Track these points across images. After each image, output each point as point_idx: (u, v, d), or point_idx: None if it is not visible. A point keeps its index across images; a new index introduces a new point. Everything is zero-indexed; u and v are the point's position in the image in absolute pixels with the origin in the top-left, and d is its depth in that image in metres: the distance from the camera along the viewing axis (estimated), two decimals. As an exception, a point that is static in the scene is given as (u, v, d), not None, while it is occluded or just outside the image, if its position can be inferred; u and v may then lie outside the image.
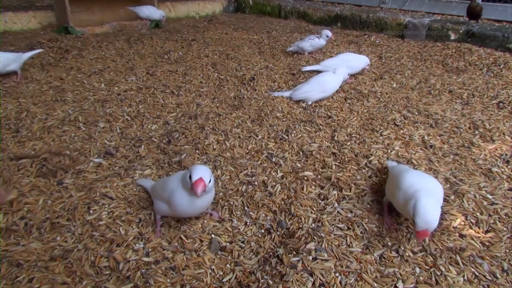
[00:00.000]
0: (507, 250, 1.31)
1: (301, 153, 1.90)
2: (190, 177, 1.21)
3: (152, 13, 4.61)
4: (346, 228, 1.39)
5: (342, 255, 1.26)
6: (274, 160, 1.83)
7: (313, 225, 1.40)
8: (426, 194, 1.23)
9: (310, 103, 2.49)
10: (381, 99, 2.61)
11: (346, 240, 1.33)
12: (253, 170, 1.74)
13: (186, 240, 1.35)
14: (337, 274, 1.18)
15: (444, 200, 1.55)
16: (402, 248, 1.30)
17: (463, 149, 1.98)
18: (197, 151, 1.90)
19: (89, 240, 1.32)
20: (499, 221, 1.44)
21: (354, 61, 2.98)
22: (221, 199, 1.56)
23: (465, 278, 1.19)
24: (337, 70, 2.63)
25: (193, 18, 5.66)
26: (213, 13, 6.02)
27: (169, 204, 1.31)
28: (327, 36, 3.51)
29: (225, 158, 1.84)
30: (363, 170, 1.76)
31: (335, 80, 2.58)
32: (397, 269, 1.21)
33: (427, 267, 1.24)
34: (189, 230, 1.39)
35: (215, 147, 1.94)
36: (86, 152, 1.85)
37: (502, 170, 1.79)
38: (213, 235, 1.38)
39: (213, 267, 1.25)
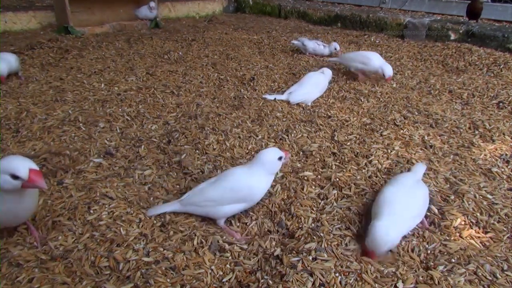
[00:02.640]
0: (507, 250, 1.31)
1: (301, 153, 1.90)
2: (280, 157, 1.43)
3: (148, 13, 4.62)
4: (345, 228, 1.39)
5: (342, 255, 1.26)
6: (274, 160, 1.83)
7: (312, 225, 1.40)
8: (387, 214, 1.24)
9: (309, 104, 2.50)
10: (381, 99, 2.61)
11: (346, 240, 1.33)
12: (253, 170, 1.73)
13: (186, 240, 1.35)
14: (337, 274, 1.18)
15: (444, 200, 1.55)
16: (402, 248, 1.30)
17: (463, 149, 1.98)
18: (197, 151, 1.90)
19: (89, 240, 1.31)
20: (499, 221, 1.44)
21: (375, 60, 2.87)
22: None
23: (465, 278, 1.19)
24: (324, 70, 2.67)
25: (193, 18, 5.66)
26: (213, 13, 6.02)
27: (250, 196, 1.40)
28: (335, 49, 3.51)
29: (225, 158, 1.84)
30: (363, 170, 1.76)
31: (326, 79, 2.62)
32: (396, 269, 1.21)
33: (427, 267, 1.24)
34: (189, 230, 1.39)
35: (215, 147, 1.94)
36: (86, 152, 1.85)
37: (502, 170, 1.79)
38: (213, 235, 1.38)
39: (213, 267, 1.25)
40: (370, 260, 1.25)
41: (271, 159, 1.42)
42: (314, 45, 3.52)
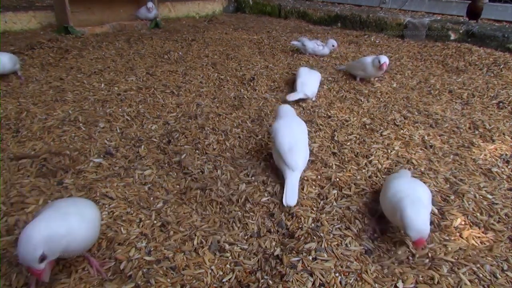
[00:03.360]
0: (507, 250, 1.31)
1: (301, 153, 1.89)
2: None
3: (147, 13, 4.61)
4: (345, 228, 1.39)
5: (342, 255, 1.26)
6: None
7: (312, 225, 1.40)
8: (410, 203, 1.21)
9: (314, 98, 2.53)
10: (381, 99, 2.61)
11: (346, 240, 1.33)
12: (253, 170, 1.74)
13: (186, 240, 1.35)
14: (337, 274, 1.18)
15: (444, 200, 1.55)
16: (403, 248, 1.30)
17: (463, 149, 1.98)
18: (197, 151, 1.90)
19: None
20: (499, 221, 1.45)
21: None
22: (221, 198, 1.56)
23: (466, 278, 1.19)
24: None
25: (193, 18, 5.66)
26: (213, 13, 6.02)
27: None
28: (333, 46, 3.51)
29: (225, 158, 1.84)
30: (363, 170, 1.76)
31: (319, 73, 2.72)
32: (397, 269, 1.22)
33: (427, 267, 1.24)
34: (189, 230, 1.39)
35: (215, 147, 1.94)
36: (86, 152, 1.85)
37: (502, 170, 1.79)
38: (213, 235, 1.38)
39: (213, 267, 1.25)
40: (370, 259, 1.25)
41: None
42: (313, 45, 3.52)
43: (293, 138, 1.61)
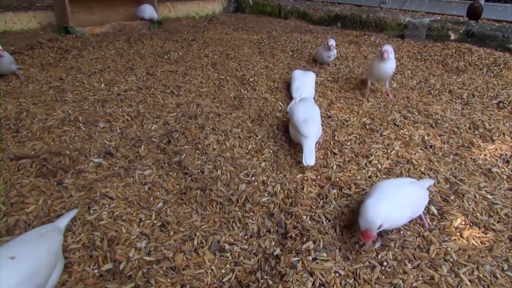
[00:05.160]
0: (507, 250, 1.31)
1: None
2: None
3: (146, 13, 4.60)
4: (344, 227, 1.39)
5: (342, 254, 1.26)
6: (274, 160, 1.83)
7: (312, 224, 1.40)
8: (377, 197, 1.23)
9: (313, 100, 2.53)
10: (381, 99, 2.61)
11: (345, 240, 1.33)
12: (253, 170, 1.74)
13: (186, 240, 1.35)
14: (337, 274, 1.18)
15: (444, 200, 1.55)
16: (403, 248, 1.31)
17: (463, 149, 1.98)
18: (197, 151, 1.90)
19: (89, 240, 1.32)
20: (499, 221, 1.45)
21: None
22: (220, 198, 1.56)
23: (466, 278, 1.19)
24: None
25: (193, 18, 5.66)
26: (213, 13, 6.02)
27: None
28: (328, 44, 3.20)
29: (225, 158, 1.84)
30: (363, 170, 1.76)
31: (313, 75, 2.70)
32: (397, 269, 1.21)
33: (427, 267, 1.24)
34: (189, 230, 1.39)
35: (215, 147, 1.94)
36: (86, 152, 1.85)
37: (502, 170, 1.79)
38: (213, 235, 1.38)
39: (213, 267, 1.25)
40: (370, 259, 1.25)
41: None
42: (322, 50, 3.23)
43: (307, 114, 1.84)
